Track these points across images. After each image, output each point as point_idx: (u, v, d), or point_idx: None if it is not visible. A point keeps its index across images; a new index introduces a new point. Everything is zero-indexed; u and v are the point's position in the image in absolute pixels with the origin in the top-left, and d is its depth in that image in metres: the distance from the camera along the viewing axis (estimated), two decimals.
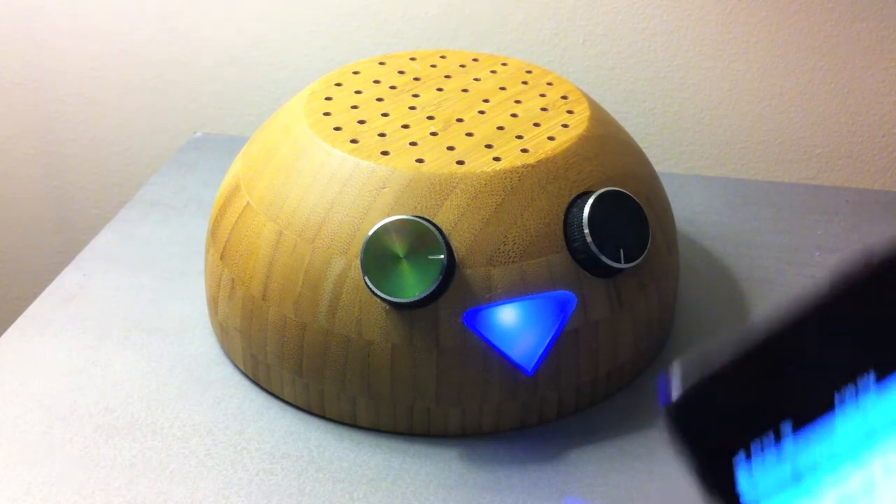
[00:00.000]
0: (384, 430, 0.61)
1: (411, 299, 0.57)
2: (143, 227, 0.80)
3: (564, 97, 0.68)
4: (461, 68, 0.72)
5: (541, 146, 0.63)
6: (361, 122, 0.65)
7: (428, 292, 0.57)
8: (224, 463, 0.59)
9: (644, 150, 0.72)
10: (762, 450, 0.24)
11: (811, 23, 0.88)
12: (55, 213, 1.08)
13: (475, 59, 0.73)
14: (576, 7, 0.91)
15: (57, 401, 0.63)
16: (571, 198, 0.61)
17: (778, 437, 0.24)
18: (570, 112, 0.67)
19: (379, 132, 0.64)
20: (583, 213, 0.59)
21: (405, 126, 0.64)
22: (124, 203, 0.84)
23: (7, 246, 1.10)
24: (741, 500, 0.24)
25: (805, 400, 0.24)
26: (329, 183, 0.61)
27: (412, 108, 0.67)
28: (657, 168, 0.72)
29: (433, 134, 0.64)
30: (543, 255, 0.59)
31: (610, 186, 0.61)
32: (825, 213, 0.83)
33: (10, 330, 0.69)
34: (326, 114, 0.65)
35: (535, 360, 0.59)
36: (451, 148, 0.62)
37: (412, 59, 0.73)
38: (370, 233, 0.57)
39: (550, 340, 0.59)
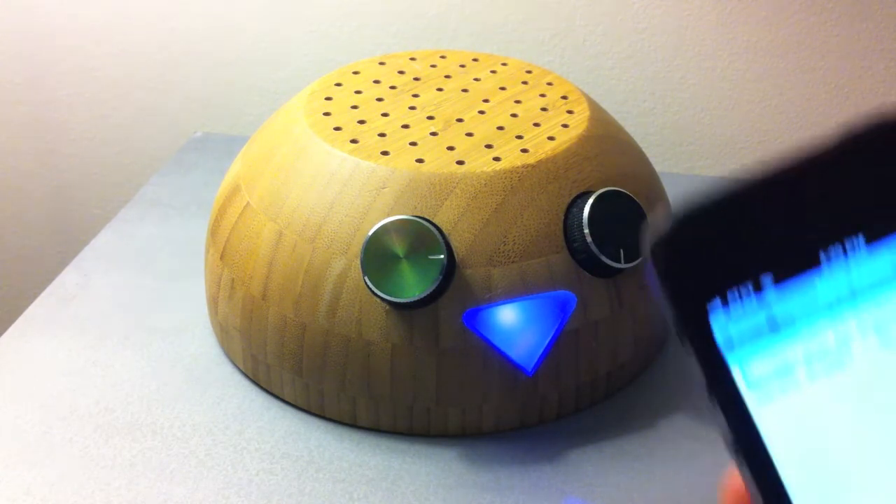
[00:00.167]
0: (384, 430, 0.61)
1: (411, 299, 0.57)
2: (143, 227, 0.80)
3: (564, 97, 0.68)
4: (461, 68, 0.72)
5: (541, 146, 0.63)
6: (361, 122, 0.65)
7: (428, 292, 0.57)
8: (224, 463, 0.59)
9: (644, 150, 0.72)
10: (740, 298, 0.23)
11: (811, 23, 0.88)
12: (55, 213, 1.08)
13: (475, 59, 0.73)
14: (576, 7, 0.91)
15: (57, 401, 0.63)
16: (571, 198, 0.61)
17: (757, 288, 0.23)
18: (570, 112, 0.67)
19: (379, 132, 0.64)
20: (583, 213, 0.59)
21: (405, 126, 0.64)
22: (124, 203, 0.84)
23: (7, 246, 1.10)
24: (715, 345, 0.23)
25: (789, 254, 0.24)
26: (329, 183, 0.61)
27: (412, 108, 0.67)
28: (657, 168, 0.72)
29: (433, 134, 0.64)
30: (543, 255, 0.59)
31: (610, 186, 0.61)
32: None
33: (10, 330, 0.69)
34: (326, 114, 0.65)
35: (535, 360, 0.59)
36: (451, 148, 0.62)
37: (412, 59, 0.73)
38: (370, 233, 0.57)
39: (550, 340, 0.59)
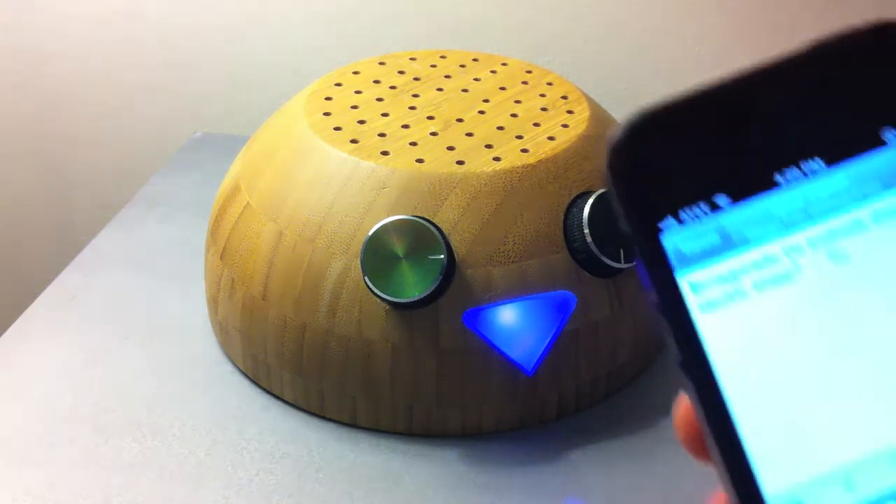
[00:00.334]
0: (384, 430, 0.61)
1: (411, 299, 0.57)
2: (143, 227, 0.80)
3: (564, 97, 0.68)
4: (461, 68, 0.72)
5: (541, 146, 0.63)
6: (361, 122, 0.65)
7: (428, 292, 0.57)
8: (224, 463, 0.59)
9: None
10: (694, 216, 0.23)
11: (812, 23, 0.88)
12: (55, 213, 1.08)
13: (475, 59, 0.73)
14: (576, 7, 0.91)
15: (57, 401, 0.63)
16: (571, 198, 0.61)
17: (712, 206, 0.23)
18: (570, 112, 0.67)
19: (379, 132, 0.64)
20: (583, 213, 0.59)
21: (405, 126, 0.64)
22: (124, 203, 0.84)
23: (7, 246, 1.10)
24: (667, 261, 0.23)
25: (746, 172, 0.24)
26: (329, 183, 0.61)
27: (412, 108, 0.67)
28: None
29: (433, 134, 0.64)
30: (543, 255, 0.59)
31: None
32: None
33: (10, 330, 0.69)
34: (326, 114, 0.65)
35: (535, 360, 0.59)
36: (451, 148, 0.62)
37: (412, 59, 0.73)
38: (370, 233, 0.57)
39: (550, 340, 0.59)
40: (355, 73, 0.71)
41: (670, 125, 0.24)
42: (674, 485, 0.58)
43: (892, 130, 0.24)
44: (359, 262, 0.58)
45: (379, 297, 0.57)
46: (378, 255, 0.57)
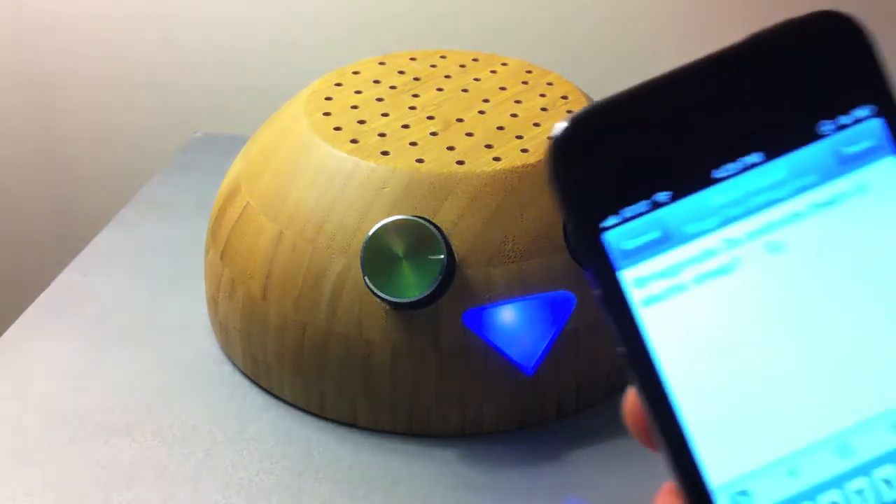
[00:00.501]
0: (384, 430, 0.61)
1: (411, 299, 0.57)
2: (143, 227, 0.80)
3: (564, 97, 0.68)
4: (461, 68, 0.72)
5: (541, 146, 0.63)
6: (361, 122, 0.65)
7: (428, 292, 0.57)
8: (224, 463, 0.59)
9: None
10: (635, 213, 0.24)
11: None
12: (55, 213, 1.08)
13: (475, 59, 0.73)
14: (576, 7, 0.91)
15: (57, 401, 0.63)
16: None
17: (652, 204, 0.24)
18: (570, 112, 0.67)
19: (379, 132, 0.64)
20: None
21: (405, 126, 0.64)
22: (124, 203, 0.84)
23: (7, 246, 1.10)
24: (610, 258, 0.24)
25: (685, 170, 0.24)
26: (329, 183, 0.61)
27: (412, 108, 0.67)
28: None
29: (433, 134, 0.64)
30: (543, 255, 0.59)
31: None
32: None
33: (10, 330, 0.69)
34: (327, 114, 0.65)
35: (535, 360, 0.59)
36: (451, 148, 0.62)
37: (412, 59, 0.73)
38: (370, 233, 0.57)
39: (550, 340, 0.59)
40: (355, 73, 0.71)
41: (610, 124, 0.24)
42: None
43: (829, 123, 0.24)
44: (359, 262, 0.58)
45: (379, 297, 0.57)
46: (378, 255, 0.57)
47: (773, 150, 0.24)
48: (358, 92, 0.68)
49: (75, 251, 0.78)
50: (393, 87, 0.69)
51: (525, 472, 0.59)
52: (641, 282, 0.24)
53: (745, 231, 0.24)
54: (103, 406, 0.63)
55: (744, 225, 0.24)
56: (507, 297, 0.58)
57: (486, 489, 0.57)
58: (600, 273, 0.24)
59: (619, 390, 0.64)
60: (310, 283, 0.60)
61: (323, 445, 0.60)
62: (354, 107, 0.66)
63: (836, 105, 0.24)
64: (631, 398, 0.25)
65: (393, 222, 0.57)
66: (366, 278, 0.57)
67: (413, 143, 0.62)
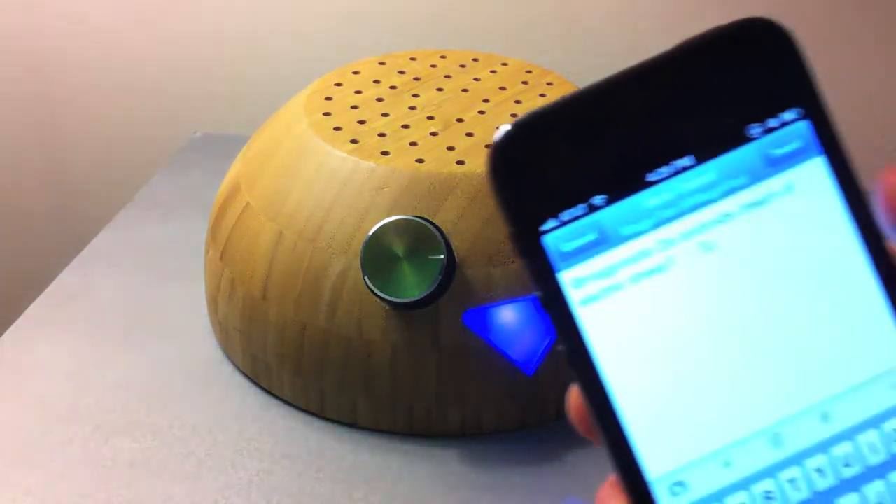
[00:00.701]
0: (384, 430, 0.61)
1: (411, 299, 0.57)
2: (143, 227, 0.80)
3: None
4: (461, 68, 0.72)
5: None
6: (361, 122, 0.65)
7: (428, 292, 0.57)
8: (224, 463, 0.59)
9: None
10: (573, 216, 0.25)
11: (813, 24, 0.88)
12: (55, 214, 1.08)
13: (475, 59, 0.73)
14: (576, 7, 0.91)
15: (57, 401, 0.63)
16: None
17: (589, 207, 0.25)
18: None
19: (379, 132, 0.64)
20: None
21: (405, 126, 0.64)
22: (124, 203, 0.84)
23: (7, 246, 1.10)
24: (549, 260, 0.25)
25: (621, 173, 0.25)
26: (329, 183, 0.61)
27: (412, 108, 0.67)
28: None
29: (433, 134, 0.64)
30: None
31: None
32: None
33: (10, 330, 0.69)
34: (326, 114, 0.65)
35: (535, 360, 0.59)
36: (451, 148, 0.62)
37: (412, 59, 0.73)
38: (370, 233, 0.57)
39: (550, 340, 0.59)
40: (355, 73, 0.71)
41: (547, 131, 0.25)
42: None
43: (758, 126, 0.25)
44: (359, 262, 0.58)
45: (379, 297, 0.57)
46: (378, 255, 0.57)
47: (705, 153, 0.25)
48: (358, 92, 0.68)
49: (75, 251, 0.78)
50: (393, 87, 0.69)
51: (525, 472, 0.59)
52: (580, 282, 0.25)
53: (678, 232, 0.25)
54: (103, 406, 0.63)
55: (677, 226, 0.25)
56: (507, 297, 0.58)
57: (486, 489, 0.57)
58: (541, 275, 0.25)
59: None
60: (310, 283, 0.60)
61: (323, 445, 0.60)
62: (354, 107, 0.66)
63: (765, 108, 0.25)
64: (574, 394, 0.26)
65: (393, 222, 0.57)
66: (366, 278, 0.57)
67: (413, 143, 0.62)
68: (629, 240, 0.25)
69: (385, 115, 0.65)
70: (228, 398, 0.64)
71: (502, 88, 0.69)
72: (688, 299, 0.25)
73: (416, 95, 0.68)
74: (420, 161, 0.61)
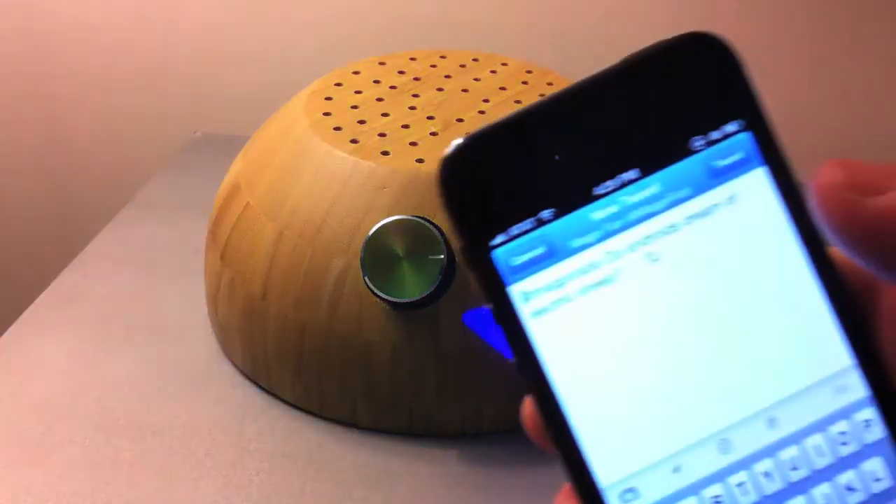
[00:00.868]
0: (384, 430, 0.61)
1: (411, 299, 0.57)
2: (143, 227, 0.80)
3: None
4: (461, 68, 0.72)
5: None
6: (362, 122, 0.65)
7: (428, 292, 0.57)
8: (224, 463, 0.59)
9: None
10: (522, 230, 0.25)
11: (813, 24, 0.88)
12: (55, 214, 1.08)
13: (475, 59, 0.73)
14: (576, 7, 0.91)
15: (57, 401, 0.63)
16: None
17: (537, 221, 0.25)
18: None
19: (379, 132, 0.64)
20: None
21: (405, 126, 0.64)
22: (124, 203, 0.84)
23: (7, 246, 1.10)
24: (500, 274, 0.25)
25: (568, 188, 0.25)
26: (329, 183, 0.61)
27: (412, 108, 0.67)
28: None
29: (433, 134, 0.64)
30: None
31: None
32: None
33: (10, 330, 0.69)
34: (327, 114, 0.65)
35: None
36: None
37: (412, 59, 0.73)
38: (370, 233, 0.57)
39: None
40: (355, 73, 0.71)
41: (495, 147, 0.25)
42: None
43: (701, 139, 0.25)
44: (359, 262, 0.58)
45: (379, 297, 0.57)
46: (378, 255, 0.57)
47: (650, 166, 0.25)
48: (358, 92, 0.68)
49: (75, 251, 0.78)
50: (393, 87, 0.69)
51: (525, 472, 0.59)
52: (530, 295, 0.25)
53: (625, 244, 0.25)
54: (103, 406, 0.63)
55: (623, 238, 0.25)
56: None
57: (486, 489, 0.57)
58: (491, 288, 0.25)
59: None
60: (310, 283, 0.60)
61: (323, 445, 0.60)
62: (354, 107, 0.66)
63: (708, 121, 0.25)
64: (528, 404, 0.26)
65: (393, 222, 0.57)
66: (366, 278, 0.57)
67: (413, 143, 0.62)
68: (577, 252, 0.25)
69: (385, 115, 0.65)
70: (228, 398, 0.64)
71: (502, 88, 0.69)
72: (635, 310, 0.25)
73: (416, 95, 0.68)
74: (420, 161, 0.61)
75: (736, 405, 0.25)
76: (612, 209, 0.25)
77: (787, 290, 0.25)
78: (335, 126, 0.64)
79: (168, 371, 0.65)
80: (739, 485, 0.25)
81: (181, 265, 0.75)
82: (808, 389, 0.25)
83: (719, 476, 0.25)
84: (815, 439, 0.25)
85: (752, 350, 0.25)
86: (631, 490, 0.25)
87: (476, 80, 0.70)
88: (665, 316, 0.25)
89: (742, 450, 0.25)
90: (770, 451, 0.25)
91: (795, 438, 0.25)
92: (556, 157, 0.25)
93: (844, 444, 0.25)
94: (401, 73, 0.71)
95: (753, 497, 0.25)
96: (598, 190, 0.25)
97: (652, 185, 0.25)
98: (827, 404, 0.25)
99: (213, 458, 0.59)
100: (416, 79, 0.70)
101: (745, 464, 0.25)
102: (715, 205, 0.25)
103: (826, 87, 0.91)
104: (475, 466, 0.59)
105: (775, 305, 0.25)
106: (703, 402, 0.25)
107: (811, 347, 0.25)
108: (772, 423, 0.25)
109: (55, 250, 1.08)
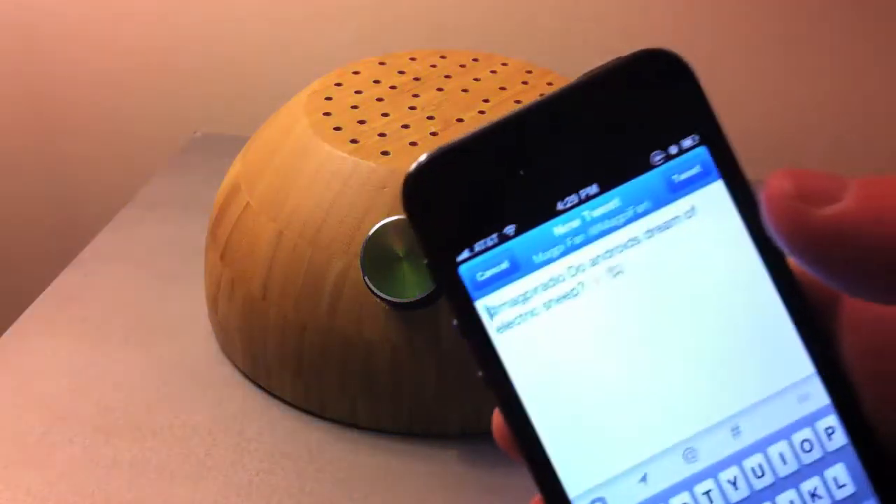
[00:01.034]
0: (384, 430, 0.61)
1: (411, 299, 0.57)
2: (143, 227, 0.80)
3: None
4: (461, 68, 0.72)
5: None
6: (362, 122, 0.65)
7: (428, 292, 0.57)
8: (224, 463, 0.59)
9: None
10: (486, 246, 0.25)
11: (812, 24, 0.88)
12: (56, 213, 1.08)
13: (475, 59, 0.73)
14: (576, 7, 0.91)
15: (57, 401, 0.63)
16: None
17: (501, 237, 0.25)
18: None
19: (379, 132, 0.64)
20: None
21: (405, 126, 0.64)
22: (124, 203, 0.84)
23: (7, 246, 1.10)
24: (465, 289, 0.25)
25: (531, 204, 0.25)
26: (329, 183, 0.61)
27: (412, 108, 0.67)
28: None
29: (433, 134, 0.64)
30: None
31: None
32: None
33: (10, 330, 0.69)
34: (327, 114, 0.65)
35: None
36: None
37: (412, 59, 0.73)
38: (370, 233, 0.57)
39: None
40: (355, 73, 0.71)
41: (459, 163, 0.26)
42: None
43: (660, 153, 0.26)
44: (359, 262, 0.58)
45: (379, 297, 0.57)
46: (378, 255, 0.57)
47: (610, 181, 0.26)
48: (358, 92, 0.68)
49: (75, 251, 0.78)
50: (393, 87, 0.69)
51: (525, 473, 0.59)
52: (495, 310, 0.26)
53: (587, 258, 0.26)
54: (103, 406, 0.63)
55: (586, 252, 0.26)
56: None
57: (486, 489, 0.57)
58: (457, 303, 0.26)
59: None
60: (310, 283, 0.60)
61: (323, 445, 0.60)
62: (354, 107, 0.66)
63: (666, 136, 0.26)
64: (497, 417, 0.27)
65: (393, 222, 0.57)
66: (366, 278, 0.57)
67: (413, 143, 0.62)
68: (541, 267, 0.26)
69: (385, 115, 0.66)
70: (228, 398, 0.64)
71: (502, 88, 0.69)
72: (599, 323, 0.26)
73: (416, 95, 0.68)
74: None
75: (701, 414, 0.25)
76: (575, 224, 0.25)
77: (747, 300, 0.26)
78: (335, 126, 0.64)
79: (168, 371, 0.65)
80: (706, 493, 0.25)
81: (181, 265, 0.75)
82: (772, 398, 0.26)
83: (686, 485, 0.25)
84: (780, 447, 0.25)
85: (715, 360, 0.26)
86: (599, 500, 0.26)
87: (476, 80, 0.70)
88: (628, 328, 0.26)
89: (708, 458, 0.25)
90: (735, 459, 0.25)
91: (760, 446, 0.25)
92: (519, 173, 0.25)
93: (808, 451, 0.25)
94: (401, 73, 0.71)
95: None
96: (561, 205, 0.25)
97: (613, 200, 0.26)
98: (790, 412, 0.26)
99: (213, 458, 0.59)
100: (416, 79, 0.70)
101: (711, 472, 0.25)
102: (675, 218, 0.26)
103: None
104: (475, 466, 0.59)
105: (737, 316, 0.26)
106: (669, 411, 0.26)
107: (773, 357, 0.26)
108: (736, 431, 0.25)
109: (55, 250, 1.08)
